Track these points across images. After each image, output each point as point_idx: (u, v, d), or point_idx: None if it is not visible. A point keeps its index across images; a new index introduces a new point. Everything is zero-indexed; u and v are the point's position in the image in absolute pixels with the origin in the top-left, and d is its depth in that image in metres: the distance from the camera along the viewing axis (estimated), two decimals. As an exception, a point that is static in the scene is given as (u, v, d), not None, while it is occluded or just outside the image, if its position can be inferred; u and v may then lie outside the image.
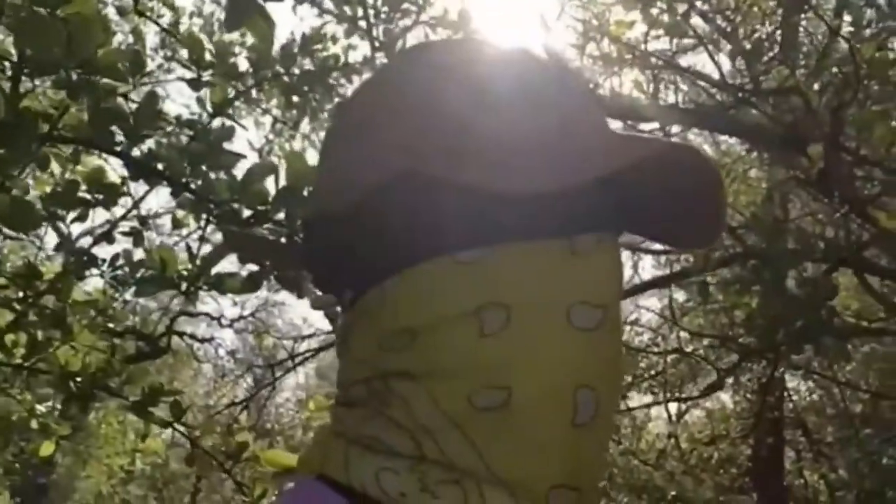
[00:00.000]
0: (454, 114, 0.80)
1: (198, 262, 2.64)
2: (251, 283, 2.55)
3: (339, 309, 0.90)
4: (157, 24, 4.58)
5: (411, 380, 0.78)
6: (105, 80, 2.50)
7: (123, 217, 3.70)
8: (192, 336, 12.46)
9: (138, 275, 2.64)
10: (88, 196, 3.11)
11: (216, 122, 3.68)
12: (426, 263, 0.78)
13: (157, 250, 2.62)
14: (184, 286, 2.58)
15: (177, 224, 4.20)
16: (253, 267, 2.88)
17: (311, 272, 0.91)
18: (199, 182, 2.93)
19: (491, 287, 0.76)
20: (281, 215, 2.84)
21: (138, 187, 3.81)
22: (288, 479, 0.94)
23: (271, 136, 9.69)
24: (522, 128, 0.79)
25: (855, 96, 3.55)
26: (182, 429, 3.06)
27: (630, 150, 0.76)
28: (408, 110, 0.82)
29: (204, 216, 2.75)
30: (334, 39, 4.23)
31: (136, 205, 3.70)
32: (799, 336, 3.29)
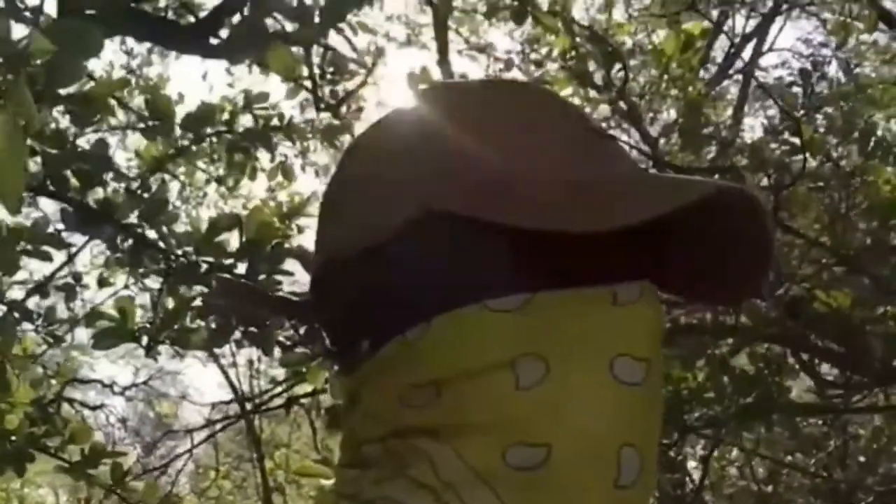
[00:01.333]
0: (482, 151, 0.74)
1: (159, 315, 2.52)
2: (218, 338, 2.44)
3: (336, 367, 0.84)
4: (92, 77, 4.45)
5: (436, 437, 0.71)
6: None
7: (59, 269, 3.56)
8: (83, 403, 12.07)
9: (94, 327, 2.50)
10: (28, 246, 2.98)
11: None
12: (455, 311, 0.71)
13: (116, 301, 2.49)
14: (144, 340, 2.45)
15: (103, 283, 4.06)
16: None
17: (320, 323, 0.85)
18: (155, 232, 2.84)
19: (527, 337, 0.69)
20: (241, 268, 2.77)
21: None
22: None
23: (178, 203, 9.48)
24: (559, 166, 0.74)
25: (800, 175, 3.63)
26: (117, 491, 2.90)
27: (678, 192, 0.71)
28: (429, 149, 0.76)
29: (163, 267, 2.65)
30: (260, 98, 4.15)
31: (71, 258, 3.56)
32: (748, 413, 3.31)
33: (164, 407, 9.76)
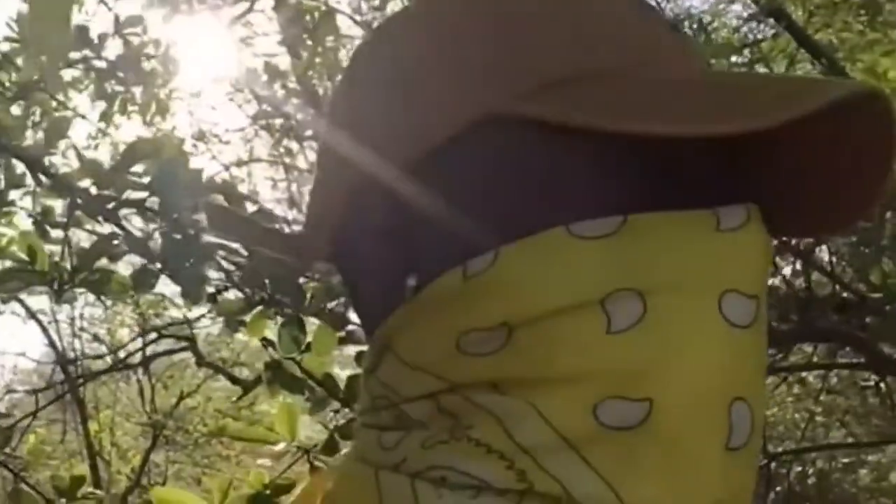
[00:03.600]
0: (553, 41, 0.62)
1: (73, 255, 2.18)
2: (142, 283, 2.12)
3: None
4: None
5: (506, 391, 0.58)
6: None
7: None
8: None
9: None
10: None
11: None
12: (529, 238, 0.59)
13: (21, 236, 2.13)
14: (56, 283, 2.10)
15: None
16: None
17: (350, 256, 0.68)
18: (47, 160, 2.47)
19: (620, 269, 0.58)
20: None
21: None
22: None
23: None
24: (647, 61, 0.63)
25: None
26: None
27: (812, 91, 0.56)
28: (485, 36, 0.63)
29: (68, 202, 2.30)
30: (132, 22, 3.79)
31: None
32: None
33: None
